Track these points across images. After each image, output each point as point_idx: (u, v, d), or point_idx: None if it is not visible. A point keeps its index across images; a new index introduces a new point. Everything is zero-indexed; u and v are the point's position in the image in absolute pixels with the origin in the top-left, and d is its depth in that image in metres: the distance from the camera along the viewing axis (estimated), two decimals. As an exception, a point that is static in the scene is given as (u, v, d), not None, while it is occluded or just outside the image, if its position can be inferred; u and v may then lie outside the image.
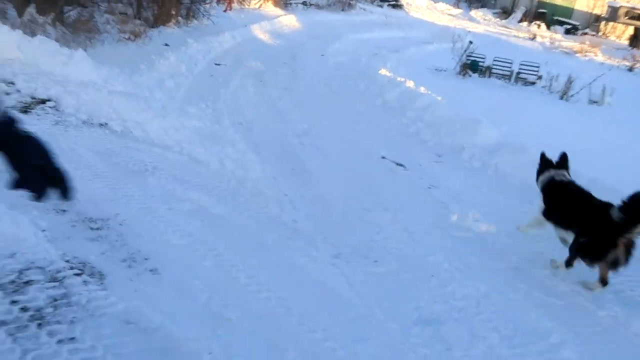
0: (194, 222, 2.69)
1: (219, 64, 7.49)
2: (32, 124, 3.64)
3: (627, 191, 2.67)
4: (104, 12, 8.57)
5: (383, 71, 8.27)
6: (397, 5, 21.65)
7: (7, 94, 4.11)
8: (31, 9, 6.53)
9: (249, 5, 14.55)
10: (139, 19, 8.96)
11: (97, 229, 2.46)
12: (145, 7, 9.29)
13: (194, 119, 4.20)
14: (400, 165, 4.40)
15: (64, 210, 2.56)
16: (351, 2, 18.51)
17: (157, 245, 2.40)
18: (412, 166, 4.43)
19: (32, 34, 5.63)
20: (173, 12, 9.55)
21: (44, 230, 2.32)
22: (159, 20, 9.04)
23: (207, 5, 11.43)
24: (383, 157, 4.51)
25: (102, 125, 3.89)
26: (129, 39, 7.33)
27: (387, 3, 21.42)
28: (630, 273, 3.01)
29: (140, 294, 2.00)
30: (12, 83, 4.32)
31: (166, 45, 7.60)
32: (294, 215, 2.96)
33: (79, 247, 2.28)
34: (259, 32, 11.52)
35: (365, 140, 4.99)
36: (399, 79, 7.64)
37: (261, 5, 14.81)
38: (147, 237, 2.46)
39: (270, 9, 15.09)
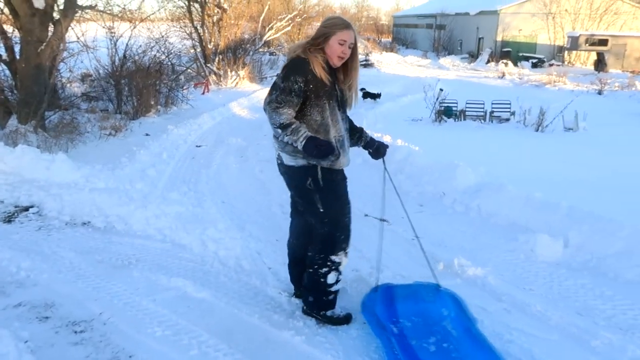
0: (179, 310, 2.68)
1: (200, 146, 7.68)
2: (14, 232, 3.70)
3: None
4: (85, 112, 8.88)
5: (360, 129, 8.49)
6: (368, 65, 22.53)
7: (-10, 206, 4.19)
8: (12, 120, 6.77)
9: (225, 85, 15.12)
10: (120, 113, 9.28)
11: (81, 331, 2.45)
12: (125, 101, 9.65)
13: (175, 204, 4.27)
14: (384, 220, 4.43)
15: (47, 317, 2.56)
16: (324, 67, 19.24)
17: (142, 340, 2.39)
18: (396, 219, 4.45)
19: (14, 143, 5.81)
20: (152, 102, 9.89)
21: (26, 342, 2.31)
22: (139, 111, 9.35)
23: (185, 91, 11.89)
24: (366, 215, 4.55)
25: (85, 224, 3.94)
26: (110, 134, 7.55)
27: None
28: (620, 297, 3.01)
29: (125, 394, 1.98)
30: (-5, 195, 4.42)
31: (147, 135, 7.83)
32: (278, 287, 2.97)
33: (62, 353, 2.27)
34: (238, 109, 11.90)
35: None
36: (376, 134, 7.84)
37: (237, 83, 15.38)
38: (132, 332, 2.45)
39: (247, 85, 15.66)
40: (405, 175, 5.84)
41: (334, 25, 2.49)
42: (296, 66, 2.43)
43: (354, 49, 2.56)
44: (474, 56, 30.01)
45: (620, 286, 3.17)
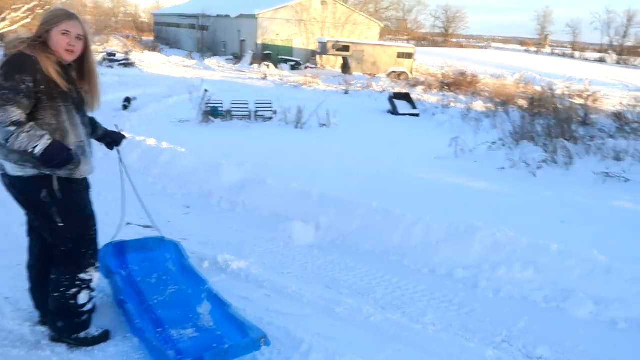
0: None
1: None
2: None
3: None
4: None
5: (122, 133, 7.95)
6: (129, 64, 21.21)
7: None
8: None
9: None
10: None
11: None
12: None
13: None
14: (148, 227, 4.27)
15: None
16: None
17: None
18: (161, 224, 4.30)
19: None
20: None
21: None
22: None
23: None
24: (128, 224, 4.30)
25: None
26: None
27: (117, 63, 20.79)
28: (359, 266, 3.54)
29: None
30: None
31: None
32: (19, 318, 2.59)
33: None
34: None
35: (111, 211, 4.69)
36: (138, 138, 7.44)
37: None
38: None
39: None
40: (171, 178, 5.72)
41: (55, 17, 2.29)
42: (21, 64, 2.15)
43: (87, 46, 2.38)
44: (238, 58, 31.04)
45: (360, 257, 3.72)
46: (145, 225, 4.33)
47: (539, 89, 14.91)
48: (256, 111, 11.37)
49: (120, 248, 3.18)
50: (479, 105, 14.66)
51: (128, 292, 2.80)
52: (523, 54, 51.84)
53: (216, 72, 23.28)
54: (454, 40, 67.21)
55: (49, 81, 2.20)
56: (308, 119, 10.74)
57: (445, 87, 19.72)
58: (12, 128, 2.07)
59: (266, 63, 26.65)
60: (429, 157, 7.67)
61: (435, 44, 57.52)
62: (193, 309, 2.71)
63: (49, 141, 2.14)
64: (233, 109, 11.23)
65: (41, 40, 2.26)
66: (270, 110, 11.47)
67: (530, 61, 39.35)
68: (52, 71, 2.22)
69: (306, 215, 4.38)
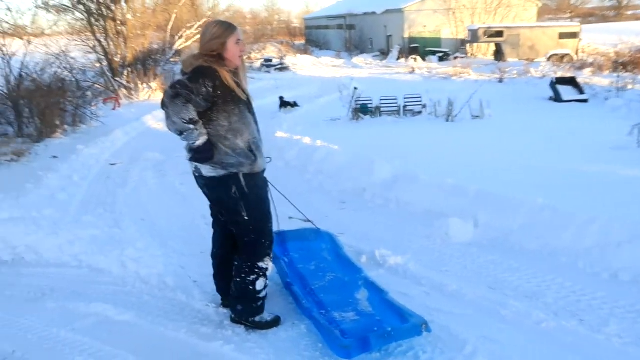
0: (101, 336, 2.59)
1: (114, 164, 7.36)
2: None
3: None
4: (-20, 140, 8.21)
5: (280, 133, 8.53)
6: (283, 68, 22.64)
7: None
8: None
9: (138, 98, 14.57)
10: (22, 136, 8.66)
11: (-9, 374, 2.30)
12: (27, 123, 9.02)
13: (90, 227, 4.08)
14: (308, 221, 4.50)
15: (-50, 365, 2.37)
16: (240, 74, 19.06)
17: (62, 373, 2.28)
18: (319, 219, 4.52)
19: None
20: (58, 122, 9.33)
21: None
22: (44, 133, 8.79)
23: (94, 107, 11.31)
24: (290, 218, 4.60)
25: (-11, 259, 3.66)
26: (11, 160, 7.04)
27: (274, 68, 22.34)
28: (524, 268, 3.29)
29: None
30: None
31: (54, 157, 7.38)
32: (205, 300, 2.94)
33: (-29, 400, 2.11)
34: (153, 122, 11.50)
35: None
36: (295, 137, 7.91)
37: (150, 95, 14.87)
38: (50, 367, 2.33)
39: (160, 97, 15.10)
40: (326, 175, 5.97)
41: (224, 30, 2.54)
42: (205, 72, 2.44)
43: None
44: (385, 53, 31.09)
45: (524, 258, 3.47)
46: (305, 219, 4.58)
47: None
48: (405, 106, 11.26)
49: (281, 237, 3.46)
50: (665, 86, 12.57)
51: (292, 276, 3.06)
52: None
53: (364, 69, 23.63)
54: (629, 12, 58.54)
55: (225, 88, 2.46)
56: (459, 111, 10.29)
57: (620, 68, 17.25)
58: (190, 126, 2.37)
59: (413, 56, 26.23)
60: (603, 148, 6.80)
61: (605, 19, 50.83)
62: (351, 294, 2.84)
63: (206, 139, 2.43)
64: (382, 105, 11.28)
65: (214, 55, 2.51)
66: (420, 104, 11.26)
67: None
68: (231, 80, 2.47)
69: (462, 212, 4.21)
